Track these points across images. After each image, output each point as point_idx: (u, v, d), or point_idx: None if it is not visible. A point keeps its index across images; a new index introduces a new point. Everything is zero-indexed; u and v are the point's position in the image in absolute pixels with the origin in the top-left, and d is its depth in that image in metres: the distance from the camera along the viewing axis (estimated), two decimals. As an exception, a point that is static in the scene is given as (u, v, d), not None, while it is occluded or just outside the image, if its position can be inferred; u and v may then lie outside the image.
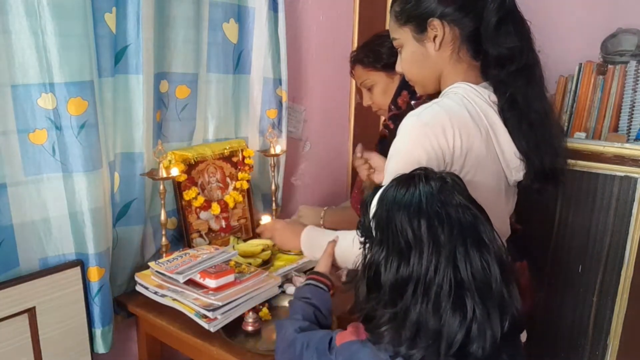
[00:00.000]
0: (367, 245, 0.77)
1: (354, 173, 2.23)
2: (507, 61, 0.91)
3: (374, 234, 0.75)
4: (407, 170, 0.87)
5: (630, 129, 1.63)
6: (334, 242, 1.09)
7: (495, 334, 0.66)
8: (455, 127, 0.88)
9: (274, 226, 1.34)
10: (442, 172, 0.76)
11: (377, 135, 1.63)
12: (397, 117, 1.44)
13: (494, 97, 0.93)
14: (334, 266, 1.10)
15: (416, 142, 0.89)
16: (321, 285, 1.01)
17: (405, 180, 0.75)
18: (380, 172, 1.30)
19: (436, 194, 0.71)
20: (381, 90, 1.50)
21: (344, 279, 1.13)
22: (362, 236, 0.79)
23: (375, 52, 1.47)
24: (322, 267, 1.06)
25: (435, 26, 0.93)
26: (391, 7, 1.01)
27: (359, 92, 1.70)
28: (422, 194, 0.71)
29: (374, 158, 1.32)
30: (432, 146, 0.88)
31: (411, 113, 0.93)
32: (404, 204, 0.71)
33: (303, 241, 1.19)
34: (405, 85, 1.40)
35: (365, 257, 0.76)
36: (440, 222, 0.68)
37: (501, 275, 0.68)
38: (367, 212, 0.78)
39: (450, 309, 0.66)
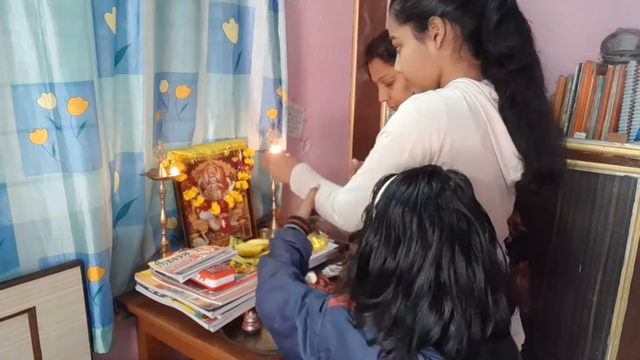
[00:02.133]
0: (366, 230, 0.78)
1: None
2: (507, 60, 0.91)
3: (373, 222, 0.77)
4: (391, 151, 0.91)
5: (630, 129, 1.63)
6: (315, 190, 1.11)
7: (474, 338, 0.67)
8: (450, 122, 0.88)
9: (271, 157, 1.38)
10: (451, 173, 0.76)
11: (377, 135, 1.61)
12: None
13: (495, 95, 0.93)
14: (313, 211, 1.13)
15: (407, 128, 0.90)
16: (302, 231, 1.05)
17: (410, 177, 0.75)
18: None
19: (434, 196, 0.71)
20: (402, 86, 1.43)
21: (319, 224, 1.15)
22: (364, 221, 0.80)
23: None
24: (304, 213, 1.09)
25: (436, 24, 0.93)
26: (391, 5, 1.01)
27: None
28: (420, 193, 0.72)
29: None
30: (421, 136, 0.88)
31: (412, 97, 0.93)
32: (402, 200, 0.73)
33: (292, 176, 1.22)
34: None
35: (360, 241, 0.77)
36: (431, 224, 0.69)
37: (488, 285, 0.69)
38: (374, 198, 0.79)
39: (427, 308, 0.67)
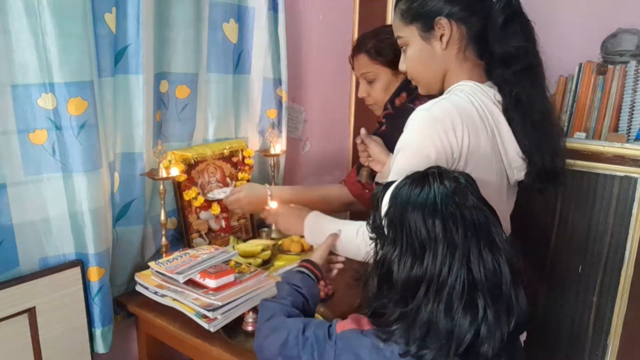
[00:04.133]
0: (379, 242, 0.76)
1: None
2: (512, 60, 0.91)
3: (386, 232, 0.75)
4: (416, 164, 0.86)
5: (630, 129, 1.63)
6: (335, 235, 1.08)
7: (503, 334, 0.67)
8: (464, 124, 0.88)
9: (278, 211, 1.31)
10: (455, 172, 0.75)
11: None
12: (391, 116, 1.42)
13: (498, 97, 0.93)
14: (332, 255, 1.10)
15: (426, 137, 0.89)
16: (312, 276, 1.00)
17: (419, 179, 0.74)
18: (377, 162, 1.29)
19: (451, 194, 0.70)
20: (383, 86, 1.44)
21: (334, 274, 1.13)
22: (372, 232, 0.79)
23: (387, 45, 1.37)
24: (318, 258, 1.05)
25: (443, 25, 0.93)
26: (396, 5, 1.01)
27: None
28: (437, 194, 0.71)
29: (373, 148, 1.30)
30: (442, 141, 0.88)
31: (420, 107, 0.92)
32: (419, 204, 0.71)
33: (307, 227, 1.17)
34: (406, 86, 1.39)
35: (376, 254, 0.76)
36: (454, 223, 0.68)
37: (510, 277, 0.68)
38: (379, 209, 0.78)
39: (462, 310, 0.66)
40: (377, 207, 0.78)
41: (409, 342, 0.68)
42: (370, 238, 0.79)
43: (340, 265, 1.12)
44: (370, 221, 0.79)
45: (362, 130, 1.33)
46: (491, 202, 0.76)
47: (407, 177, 0.76)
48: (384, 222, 0.75)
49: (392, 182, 0.78)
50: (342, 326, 0.80)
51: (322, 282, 1.35)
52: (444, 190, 0.71)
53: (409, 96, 1.39)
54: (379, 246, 0.76)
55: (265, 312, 0.92)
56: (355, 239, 1.03)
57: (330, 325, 0.82)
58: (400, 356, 0.69)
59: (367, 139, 1.31)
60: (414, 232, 0.70)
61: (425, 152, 0.89)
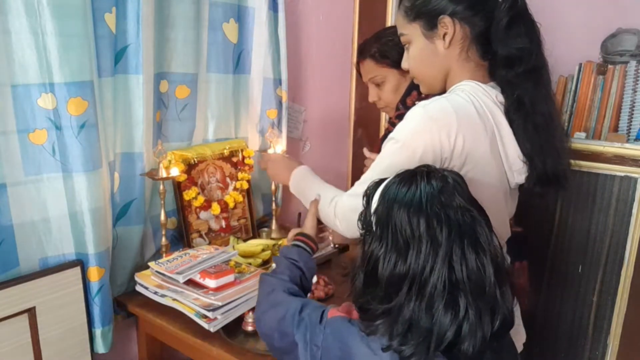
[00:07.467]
0: (367, 238, 0.77)
1: (354, 173, 2.24)
2: (516, 62, 0.90)
3: (374, 229, 0.75)
4: (402, 157, 0.89)
5: (630, 129, 1.63)
6: (316, 201, 1.08)
7: (485, 333, 0.67)
8: (461, 125, 0.88)
9: (270, 157, 1.33)
10: (445, 171, 0.76)
11: (378, 136, 1.61)
12: (404, 116, 1.42)
13: (501, 98, 0.92)
14: (319, 223, 1.10)
15: (417, 134, 0.89)
16: (308, 249, 1.03)
17: (407, 178, 0.75)
18: None
19: (437, 194, 0.71)
20: (392, 87, 1.44)
21: (326, 235, 1.13)
22: (362, 229, 0.79)
23: (391, 47, 1.38)
24: (309, 229, 1.06)
25: (446, 24, 0.93)
26: (400, 2, 1.00)
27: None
28: (423, 193, 0.71)
29: None
30: (432, 141, 0.88)
31: (420, 103, 0.92)
32: (405, 202, 0.72)
33: (293, 178, 1.18)
34: (416, 85, 1.38)
35: (364, 250, 0.76)
36: (439, 223, 0.69)
37: (495, 277, 0.69)
38: (369, 205, 0.78)
39: (443, 308, 0.66)
40: (368, 203, 0.79)
41: (392, 337, 0.69)
42: (360, 234, 0.80)
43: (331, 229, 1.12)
44: (362, 217, 0.80)
45: (365, 150, 1.34)
46: (489, 204, 0.76)
47: (396, 176, 0.77)
48: (373, 219, 0.76)
49: (383, 179, 0.79)
50: (333, 312, 0.81)
51: (321, 282, 1.36)
52: (430, 190, 0.71)
53: (419, 94, 1.39)
54: (367, 243, 0.76)
55: (265, 287, 0.95)
56: (328, 206, 1.04)
57: (324, 310, 0.83)
58: (382, 350, 0.70)
59: (373, 156, 1.32)
60: (399, 230, 0.71)
61: (411, 147, 0.89)
